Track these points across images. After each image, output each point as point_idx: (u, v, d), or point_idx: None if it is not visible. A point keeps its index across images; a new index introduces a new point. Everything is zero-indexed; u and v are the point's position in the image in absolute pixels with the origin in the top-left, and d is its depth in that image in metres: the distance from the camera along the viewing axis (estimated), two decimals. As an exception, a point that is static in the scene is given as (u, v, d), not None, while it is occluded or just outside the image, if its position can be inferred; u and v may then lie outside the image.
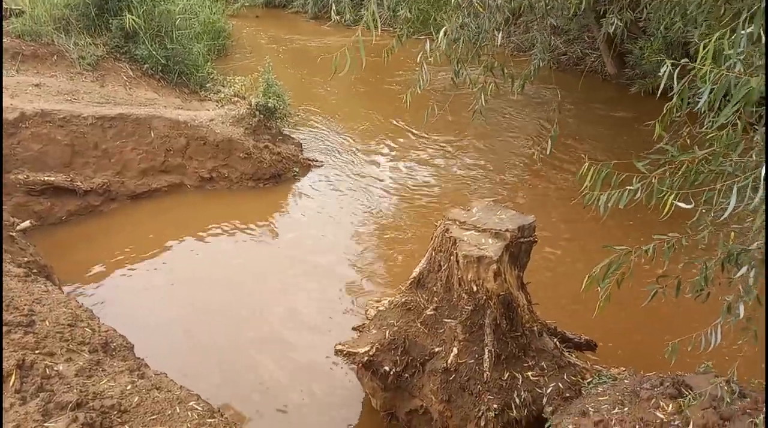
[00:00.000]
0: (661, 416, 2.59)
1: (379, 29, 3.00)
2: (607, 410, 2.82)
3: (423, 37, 4.39)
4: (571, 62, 13.19)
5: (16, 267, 3.62)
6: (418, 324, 4.12)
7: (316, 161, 8.85)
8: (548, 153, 3.66)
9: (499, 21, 3.32)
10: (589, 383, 3.53)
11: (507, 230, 3.80)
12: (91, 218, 7.20)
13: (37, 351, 2.73)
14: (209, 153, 7.92)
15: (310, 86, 12.52)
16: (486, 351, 3.77)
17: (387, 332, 4.20)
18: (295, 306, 6.02)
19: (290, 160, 8.42)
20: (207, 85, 11.08)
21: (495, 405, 3.66)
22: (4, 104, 6.75)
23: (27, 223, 5.14)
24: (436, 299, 4.07)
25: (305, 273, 6.52)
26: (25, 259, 4.70)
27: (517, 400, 3.72)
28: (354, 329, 4.72)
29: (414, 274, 4.32)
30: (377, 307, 4.59)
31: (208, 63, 11.42)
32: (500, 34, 3.21)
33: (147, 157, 7.64)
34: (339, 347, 4.34)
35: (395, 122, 10.57)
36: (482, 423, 3.66)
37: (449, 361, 3.84)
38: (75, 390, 2.55)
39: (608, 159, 2.58)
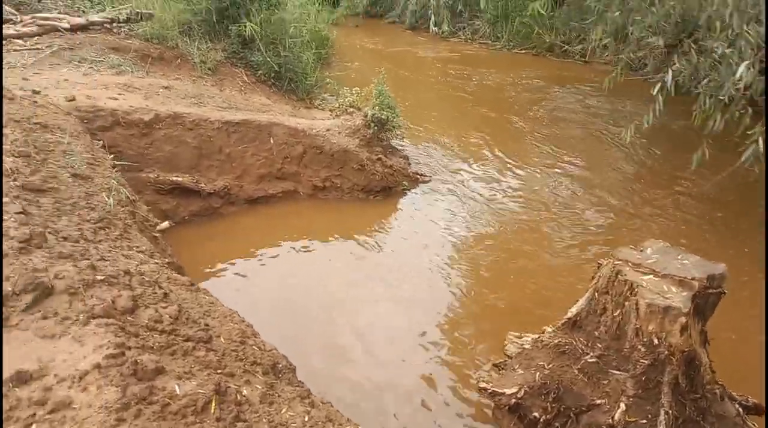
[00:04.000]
0: None
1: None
2: None
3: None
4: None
5: (181, 276, 3.59)
6: (575, 371, 3.80)
7: (425, 176, 8.68)
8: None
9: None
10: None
11: (694, 278, 3.43)
12: (211, 219, 7.33)
13: (219, 371, 2.64)
14: (324, 162, 7.91)
15: (407, 98, 12.39)
16: (662, 412, 3.40)
17: (537, 374, 3.91)
18: (399, 326, 5.80)
19: (400, 174, 8.29)
20: (314, 93, 11.21)
21: (672, 474, 3.29)
22: (140, 104, 6.98)
23: (166, 224, 5.24)
24: (600, 345, 3.73)
25: (412, 293, 6.31)
26: (167, 261, 4.74)
27: (695, 470, 3.33)
28: (495, 365, 4.45)
29: (570, 315, 4.00)
30: (521, 344, 4.30)
31: (316, 71, 11.56)
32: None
33: (265, 163, 7.71)
34: (483, 385, 4.09)
35: (503, 142, 10.28)
36: (654, 492, 3.29)
37: (616, 418, 3.50)
38: (264, 420, 2.43)
39: None
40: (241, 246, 6.95)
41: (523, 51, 15.51)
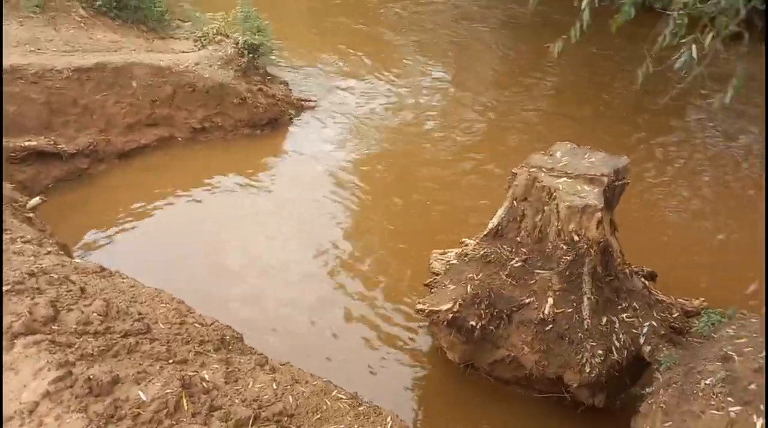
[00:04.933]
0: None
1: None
2: (753, 354, 2.86)
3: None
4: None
5: (85, 261, 3.20)
6: (503, 276, 4.03)
7: (310, 101, 8.33)
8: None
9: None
10: (703, 326, 3.57)
11: (603, 174, 3.69)
12: (80, 182, 6.54)
13: (171, 362, 2.45)
14: (199, 101, 7.25)
15: (269, 17, 11.58)
16: (585, 299, 3.75)
17: (468, 286, 4.09)
18: (306, 261, 5.76)
19: (285, 102, 7.87)
20: (166, 22, 10.03)
21: (600, 351, 3.69)
22: (-38, 60, 5.82)
23: (37, 200, 4.58)
24: (523, 250, 3.96)
25: (312, 226, 6.21)
26: (51, 242, 4.21)
27: (617, 343, 3.76)
28: (425, 285, 4.58)
29: (491, 226, 4.17)
30: (448, 261, 4.45)
31: (164, -4, 10.27)
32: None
33: (132, 111, 6.91)
34: (420, 306, 4.21)
35: (374, 54, 10.05)
36: (587, 369, 3.69)
37: (545, 312, 3.80)
38: (237, 401, 2.32)
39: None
40: (121, 207, 6.32)
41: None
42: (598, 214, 3.54)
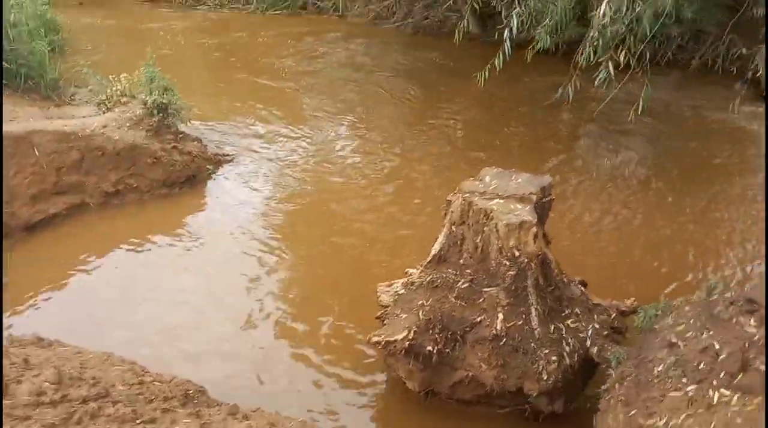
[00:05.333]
0: (753, 330, 2.95)
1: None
2: (695, 337, 3.12)
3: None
4: (434, 26, 13.77)
5: (15, 334, 2.95)
6: (453, 299, 4.13)
7: (227, 155, 8.23)
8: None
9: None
10: (642, 320, 3.83)
11: (531, 193, 3.95)
12: (-18, 261, 5.97)
13: (140, 422, 2.29)
14: (110, 164, 6.94)
15: (174, 77, 11.45)
16: (533, 309, 3.92)
17: (420, 313, 4.16)
18: (235, 318, 5.53)
19: (201, 158, 7.72)
20: (61, 89, 9.61)
21: (554, 357, 3.85)
22: None
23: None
24: (468, 271, 4.10)
25: (234, 281, 6.02)
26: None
27: (567, 348, 3.95)
28: (377, 318, 4.58)
29: (433, 252, 4.30)
30: (395, 291, 4.49)
31: (57, 63, 9.89)
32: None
33: (35, 180, 6.49)
34: (376, 339, 4.20)
35: (282, 106, 10.18)
36: (544, 377, 3.83)
37: (498, 327, 3.93)
38: (220, 454, 2.20)
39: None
40: (29, 282, 5.83)
41: (278, 12, 15.30)
42: (534, 229, 3.77)
